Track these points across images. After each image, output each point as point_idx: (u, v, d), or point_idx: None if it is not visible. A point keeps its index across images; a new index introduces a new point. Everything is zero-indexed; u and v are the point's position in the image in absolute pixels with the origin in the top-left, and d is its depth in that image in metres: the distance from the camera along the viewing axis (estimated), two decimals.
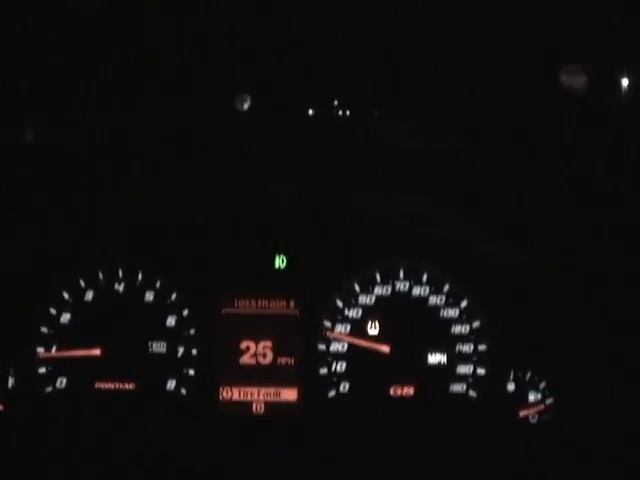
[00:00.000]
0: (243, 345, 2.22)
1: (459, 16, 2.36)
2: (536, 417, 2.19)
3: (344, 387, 2.21)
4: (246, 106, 2.50)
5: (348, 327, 2.22)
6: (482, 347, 2.21)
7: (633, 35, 2.25)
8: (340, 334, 2.22)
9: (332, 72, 2.54)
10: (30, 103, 2.49)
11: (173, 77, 2.53)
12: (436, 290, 2.22)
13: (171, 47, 2.49)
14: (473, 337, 2.21)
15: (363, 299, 2.23)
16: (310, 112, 2.63)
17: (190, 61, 2.50)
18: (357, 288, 2.23)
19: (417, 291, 2.22)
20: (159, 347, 2.22)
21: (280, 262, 2.24)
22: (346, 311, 2.22)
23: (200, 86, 2.53)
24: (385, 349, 2.20)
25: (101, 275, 2.24)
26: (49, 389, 2.22)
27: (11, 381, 2.22)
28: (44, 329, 2.23)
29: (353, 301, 2.23)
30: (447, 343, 2.21)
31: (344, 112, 2.65)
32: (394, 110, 2.56)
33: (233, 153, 2.31)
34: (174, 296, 2.23)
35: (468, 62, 2.40)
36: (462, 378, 2.21)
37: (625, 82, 2.41)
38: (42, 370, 2.22)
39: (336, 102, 2.65)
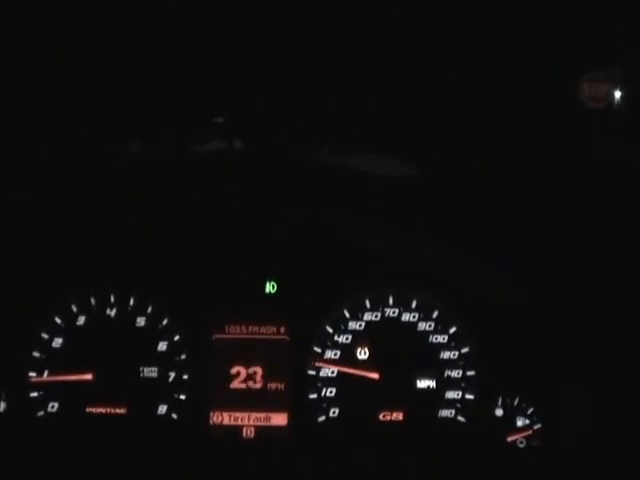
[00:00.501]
0: (234, 370, 2.23)
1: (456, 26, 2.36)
2: (524, 442, 2.21)
3: (334, 412, 2.23)
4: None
5: (338, 353, 2.24)
6: (471, 372, 2.23)
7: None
8: (328, 362, 2.24)
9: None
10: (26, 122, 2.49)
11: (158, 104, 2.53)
12: (425, 316, 2.24)
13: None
14: (462, 363, 2.23)
15: (353, 325, 2.25)
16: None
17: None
18: (347, 314, 2.25)
19: (406, 317, 2.25)
20: (150, 372, 2.24)
21: (271, 288, 2.26)
22: (336, 337, 2.24)
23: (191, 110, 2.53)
24: (374, 376, 2.22)
25: (93, 300, 2.26)
26: (41, 413, 2.23)
27: (3, 405, 2.23)
28: (36, 353, 2.24)
29: (343, 327, 2.25)
30: (436, 368, 2.23)
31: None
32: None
33: (224, 180, 2.32)
34: (165, 321, 2.25)
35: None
36: (451, 403, 2.22)
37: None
38: (34, 394, 2.23)
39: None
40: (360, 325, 2.25)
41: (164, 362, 2.24)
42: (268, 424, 2.22)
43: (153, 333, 2.25)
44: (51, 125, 2.44)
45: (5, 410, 2.22)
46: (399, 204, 2.23)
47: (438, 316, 2.24)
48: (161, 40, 2.38)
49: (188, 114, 2.45)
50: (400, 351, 2.23)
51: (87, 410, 2.23)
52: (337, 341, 2.24)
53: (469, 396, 2.22)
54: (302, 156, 2.35)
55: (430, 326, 2.24)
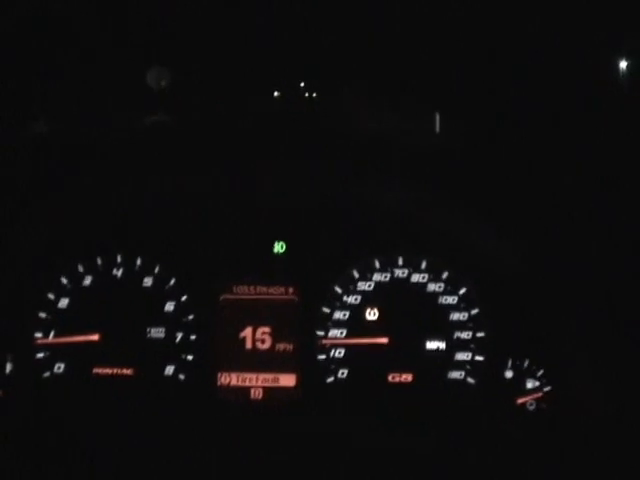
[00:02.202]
0: (242, 331, 2.22)
1: None
2: (534, 405, 2.20)
3: (342, 373, 2.21)
4: (163, 83, 2.45)
5: (347, 314, 2.22)
6: (480, 334, 2.21)
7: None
8: (336, 339, 2.22)
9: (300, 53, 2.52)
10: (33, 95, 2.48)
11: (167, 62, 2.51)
12: (435, 277, 2.22)
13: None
14: (472, 324, 2.21)
15: (362, 285, 2.23)
16: (276, 94, 2.61)
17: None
18: (356, 274, 2.22)
19: (416, 278, 2.22)
20: (157, 333, 2.22)
21: (279, 248, 2.24)
22: (345, 297, 2.22)
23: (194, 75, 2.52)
24: (383, 340, 2.20)
25: (99, 260, 2.24)
26: (47, 374, 2.22)
27: (9, 366, 2.22)
28: (42, 314, 2.22)
29: (352, 287, 2.22)
30: (446, 330, 2.21)
31: (311, 94, 2.63)
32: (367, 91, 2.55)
33: (231, 139, 2.30)
34: (173, 282, 2.23)
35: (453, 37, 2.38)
36: (460, 365, 2.21)
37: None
38: (40, 355, 2.22)
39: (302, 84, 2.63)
40: (369, 286, 2.22)
41: (171, 323, 2.22)
42: (276, 385, 2.21)
43: (160, 293, 2.23)
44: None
45: (11, 371, 2.21)
46: (411, 165, 2.22)
47: (448, 277, 2.21)
48: None
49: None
50: (409, 312, 2.21)
51: (94, 371, 2.22)
52: (346, 302, 2.22)
53: (479, 358, 2.20)
54: (315, 116, 2.33)
55: (440, 287, 2.22)
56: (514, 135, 2.41)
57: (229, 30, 2.50)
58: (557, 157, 2.31)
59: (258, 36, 2.50)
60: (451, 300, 2.22)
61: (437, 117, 2.48)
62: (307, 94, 2.71)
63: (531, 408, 2.20)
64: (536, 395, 2.20)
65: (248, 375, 2.21)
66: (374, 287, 2.23)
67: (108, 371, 2.21)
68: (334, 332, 2.22)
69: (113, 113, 2.51)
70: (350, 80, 2.63)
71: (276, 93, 2.68)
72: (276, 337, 2.21)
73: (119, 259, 2.24)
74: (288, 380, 2.21)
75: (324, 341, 2.22)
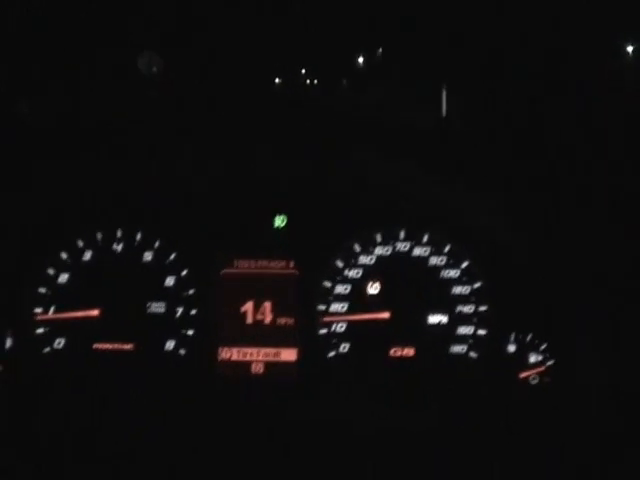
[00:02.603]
0: (242, 305, 2.20)
1: None
2: (536, 379, 2.18)
3: (344, 348, 2.20)
4: (155, 69, 2.43)
5: (348, 287, 2.20)
6: (483, 308, 2.19)
7: None
8: (337, 315, 2.21)
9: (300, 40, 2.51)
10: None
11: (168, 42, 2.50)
12: (437, 251, 2.21)
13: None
14: (474, 298, 2.20)
15: (363, 259, 2.21)
16: (277, 81, 2.60)
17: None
18: (357, 248, 2.21)
19: (418, 251, 2.21)
20: (158, 307, 2.21)
21: (280, 222, 2.22)
22: (346, 271, 2.21)
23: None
24: (385, 315, 2.19)
25: (99, 235, 2.23)
26: (47, 350, 2.21)
27: (9, 342, 2.21)
28: (42, 290, 2.21)
29: (353, 261, 2.21)
30: (447, 304, 2.20)
31: (312, 81, 2.62)
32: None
33: (231, 114, 2.29)
34: (173, 256, 2.22)
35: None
36: (462, 339, 2.19)
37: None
38: (40, 331, 2.21)
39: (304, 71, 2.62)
40: (371, 259, 2.21)
41: (171, 297, 2.21)
42: (277, 360, 2.19)
43: (160, 268, 2.22)
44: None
45: (11, 347, 2.20)
46: (413, 139, 2.21)
47: (450, 251, 2.20)
48: None
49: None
50: (411, 286, 2.20)
51: (94, 347, 2.21)
52: (347, 275, 2.21)
53: (481, 332, 2.19)
54: (317, 92, 2.32)
55: (442, 261, 2.20)
56: (516, 112, 2.39)
57: (229, 16, 2.49)
58: (559, 135, 2.30)
59: (258, 23, 2.49)
60: (453, 274, 2.20)
61: (444, 98, 2.46)
62: (307, 81, 2.69)
63: (534, 382, 2.18)
64: (539, 369, 2.18)
65: (249, 350, 2.20)
66: (375, 261, 2.21)
67: (108, 346, 2.20)
68: (335, 306, 2.20)
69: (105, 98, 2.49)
70: (352, 67, 2.61)
71: (277, 80, 2.67)
72: (277, 311, 2.20)
73: (119, 234, 2.22)
74: (289, 354, 2.19)
75: (325, 318, 2.20)
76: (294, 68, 2.64)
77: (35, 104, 2.34)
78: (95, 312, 2.20)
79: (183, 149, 2.18)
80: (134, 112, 2.39)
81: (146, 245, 2.22)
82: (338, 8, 2.47)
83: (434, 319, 2.19)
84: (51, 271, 2.22)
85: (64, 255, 2.22)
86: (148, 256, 2.22)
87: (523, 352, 2.19)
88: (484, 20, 2.33)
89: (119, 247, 2.22)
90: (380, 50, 2.55)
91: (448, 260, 2.20)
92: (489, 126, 2.38)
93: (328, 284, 2.20)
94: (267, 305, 2.20)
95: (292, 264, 2.20)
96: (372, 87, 2.62)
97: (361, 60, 2.63)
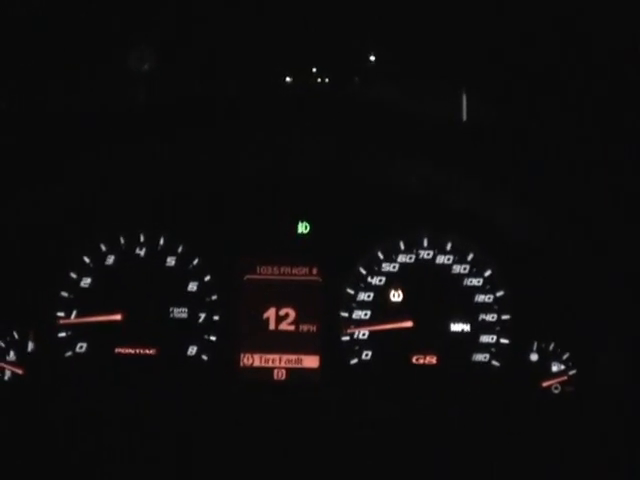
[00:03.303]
0: (265, 311, 2.20)
1: None
2: (559, 388, 2.18)
3: (366, 355, 2.20)
4: (147, 66, 2.40)
5: (371, 295, 2.20)
6: (505, 317, 2.19)
7: None
8: (360, 327, 2.20)
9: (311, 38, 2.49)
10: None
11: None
12: (460, 259, 2.21)
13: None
14: (497, 306, 2.19)
15: (387, 267, 2.21)
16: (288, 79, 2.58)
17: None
18: (381, 255, 2.21)
19: (441, 259, 2.21)
20: (180, 313, 2.21)
21: (303, 228, 2.22)
22: (369, 278, 2.21)
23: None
24: (408, 324, 2.18)
25: (122, 240, 2.23)
26: (69, 354, 2.21)
27: (31, 345, 2.21)
28: (64, 293, 2.22)
29: (376, 268, 2.21)
30: (470, 312, 2.19)
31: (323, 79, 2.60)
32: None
33: (258, 120, 2.28)
34: (196, 261, 2.22)
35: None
36: (485, 347, 2.19)
37: None
38: (62, 334, 2.22)
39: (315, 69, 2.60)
40: (394, 267, 2.21)
41: (194, 303, 2.21)
42: (300, 366, 2.19)
43: (183, 273, 2.22)
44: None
45: (33, 350, 2.21)
46: (436, 143, 2.20)
47: (473, 259, 2.20)
48: None
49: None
50: (434, 294, 2.20)
51: (116, 351, 2.21)
52: (370, 283, 2.21)
53: (504, 340, 2.19)
54: (342, 95, 2.31)
55: (465, 269, 2.20)
56: (541, 115, 2.36)
57: (237, 14, 2.46)
58: (585, 138, 2.28)
59: (266, 21, 2.46)
60: (476, 282, 2.20)
61: (464, 101, 2.44)
62: (320, 79, 2.66)
63: (556, 391, 2.18)
64: (561, 378, 2.18)
65: (271, 356, 2.20)
66: (399, 268, 2.21)
67: (130, 351, 2.20)
68: (358, 313, 2.20)
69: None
70: (368, 64, 2.59)
71: (288, 79, 2.64)
72: (300, 318, 2.20)
73: (142, 238, 2.22)
74: (312, 361, 2.19)
75: (349, 329, 2.20)
76: (306, 67, 2.61)
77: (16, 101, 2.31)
78: (117, 316, 2.20)
79: (208, 155, 2.18)
80: (155, 116, 2.39)
81: (169, 250, 2.22)
82: (348, 5, 2.45)
83: (457, 327, 2.19)
84: (74, 275, 2.22)
85: (87, 259, 2.22)
86: (171, 261, 2.22)
87: (545, 361, 2.19)
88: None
89: (142, 252, 2.23)
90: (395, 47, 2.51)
91: (471, 268, 2.20)
92: (516, 130, 2.35)
93: (351, 291, 2.20)
94: (290, 311, 2.20)
95: (315, 271, 2.20)
96: (387, 87, 2.58)
97: (373, 58, 2.60)
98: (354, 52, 2.52)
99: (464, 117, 2.41)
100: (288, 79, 2.56)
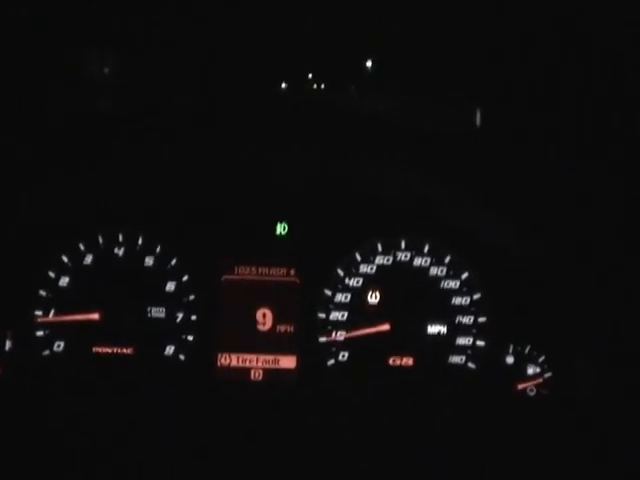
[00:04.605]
0: (243, 312, 2.21)
1: None
2: (534, 390, 2.19)
3: (343, 356, 2.21)
4: (106, 70, 2.40)
5: (348, 296, 2.21)
6: (482, 319, 2.20)
7: None
8: (338, 335, 2.21)
9: (305, 45, 2.50)
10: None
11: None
12: (437, 261, 2.21)
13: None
14: (473, 309, 2.20)
15: (364, 268, 2.22)
16: (283, 86, 2.60)
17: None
18: (358, 257, 2.22)
19: (418, 262, 2.22)
20: (158, 312, 2.21)
21: (282, 229, 2.23)
22: (347, 280, 2.21)
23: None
24: (385, 327, 2.19)
25: (101, 239, 2.23)
26: (46, 352, 2.21)
27: (8, 344, 2.21)
28: (42, 292, 2.21)
29: (354, 270, 2.22)
30: (447, 314, 2.20)
31: (318, 86, 2.62)
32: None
33: (237, 123, 2.29)
34: (174, 261, 2.22)
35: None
36: (461, 349, 2.20)
37: None
38: (40, 333, 2.21)
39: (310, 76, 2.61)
40: (371, 268, 2.22)
41: (172, 302, 2.21)
42: (277, 367, 2.20)
43: (161, 273, 2.22)
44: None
45: (11, 349, 2.20)
46: (414, 150, 2.21)
47: (450, 261, 2.21)
48: None
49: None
50: (411, 296, 2.20)
51: (93, 350, 2.21)
52: (348, 284, 2.21)
53: (480, 343, 2.20)
54: (319, 99, 2.32)
55: (442, 271, 2.21)
56: (516, 116, 2.38)
57: (232, 17, 2.47)
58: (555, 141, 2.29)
59: (263, 25, 2.47)
60: (453, 284, 2.21)
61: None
62: (315, 86, 2.68)
63: (531, 394, 2.19)
64: (537, 381, 2.19)
65: (248, 356, 2.20)
66: (376, 270, 2.22)
67: (108, 350, 2.21)
68: (335, 315, 2.21)
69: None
70: (362, 71, 2.60)
71: (283, 85, 2.66)
72: (277, 318, 2.21)
73: (120, 238, 2.22)
74: (288, 362, 2.20)
75: (326, 339, 2.21)
76: (300, 72, 2.62)
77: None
78: (95, 316, 2.20)
79: (185, 154, 2.18)
80: (136, 115, 2.39)
81: (147, 250, 2.22)
82: (345, 10, 2.45)
83: (433, 329, 2.20)
84: (52, 274, 2.22)
85: (65, 258, 2.22)
86: (149, 261, 2.22)
87: (521, 364, 2.20)
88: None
89: (120, 251, 2.23)
90: (389, 54, 2.53)
91: (448, 271, 2.21)
92: (493, 136, 2.37)
93: (328, 292, 2.21)
94: (267, 312, 2.21)
95: (293, 272, 2.21)
96: (379, 92, 2.60)
97: (369, 64, 2.63)
98: (350, 59, 2.53)
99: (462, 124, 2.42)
100: (283, 85, 2.58)
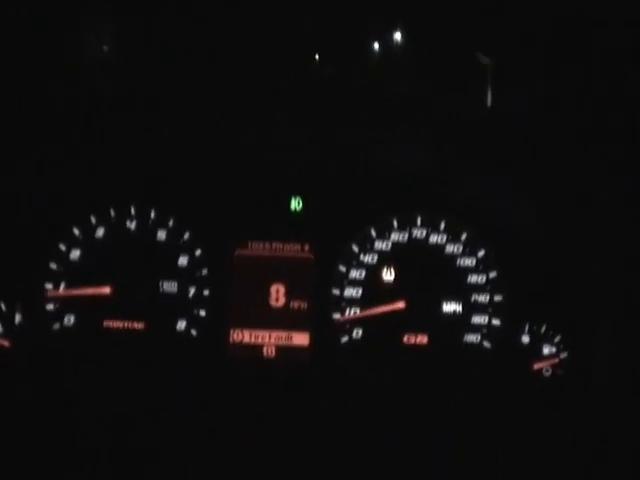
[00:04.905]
0: (255, 288, 2.18)
1: None
2: (550, 370, 2.17)
3: (357, 333, 2.18)
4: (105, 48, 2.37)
5: (363, 273, 2.18)
6: (498, 298, 2.17)
7: None
8: (352, 315, 2.18)
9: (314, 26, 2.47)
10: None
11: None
12: (453, 239, 2.18)
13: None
14: (489, 287, 2.17)
15: (379, 245, 2.19)
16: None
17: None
18: (373, 233, 2.19)
19: (434, 239, 2.18)
20: (170, 287, 2.18)
21: (296, 204, 2.19)
22: (361, 256, 2.18)
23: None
24: (400, 305, 2.16)
25: (113, 212, 2.20)
26: (57, 326, 2.19)
27: (18, 317, 2.19)
28: (53, 265, 2.19)
29: (369, 246, 2.19)
30: (463, 293, 2.17)
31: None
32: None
33: (250, 93, 2.27)
34: (187, 236, 2.19)
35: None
36: (477, 328, 2.17)
37: None
38: (50, 307, 2.19)
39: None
40: (387, 245, 2.19)
41: (184, 277, 2.18)
42: (290, 344, 2.17)
43: (174, 247, 2.19)
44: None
45: (20, 322, 2.18)
46: (432, 125, 2.18)
47: (467, 239, 2.18)
48: None
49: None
50: (426, 273, 2.17)
51: (104, 324, 2.18)
52: (362, 261, 2.18)
53: (495, 322, 2.17)
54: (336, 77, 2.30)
55: (458, 249, 2.18)
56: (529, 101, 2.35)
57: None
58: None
59: (269, 8, 2.44)
60: (469, 262, 2.18)
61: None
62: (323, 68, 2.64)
63: (547, 374, 2.17)
64: (552, 361, 2.17)
65: (261, 332, 2.18)
66: (391, 247, 2.19)
67: (119, 325, 2.18)
68: (350, 291, 2.18)
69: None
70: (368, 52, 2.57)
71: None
72: (291, 295, 2.18)
73: (133, 211, 2.20)
74: (302, 338, 2.17)
75: (340, 319, 2.18)
76: (308, 53, 2.59)
77: None
78: (106, 290, 2.17)
79: (200, 129, 2.16)
80: (146, 91, 2.37)
81: (160, 223, 2.19)
82: None
83: (449, 307, 2.17)
84: (63, 247, 2.19)
85: (76, 231, 2.19)
86: (162, 235, 2.19)
87: (537, 343, 2.17)
88: None
89: (132, 225, 2.20)
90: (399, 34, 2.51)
91: (464, 248, 2.18)
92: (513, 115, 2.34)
93: (343, 269, 2.18)
94: (280, 288, 2.18)
95: (307, 247, 2.18)
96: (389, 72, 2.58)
97: (377, 46, 2.60)
98: (359, 40, 2.50)
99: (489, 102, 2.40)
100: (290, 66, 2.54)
